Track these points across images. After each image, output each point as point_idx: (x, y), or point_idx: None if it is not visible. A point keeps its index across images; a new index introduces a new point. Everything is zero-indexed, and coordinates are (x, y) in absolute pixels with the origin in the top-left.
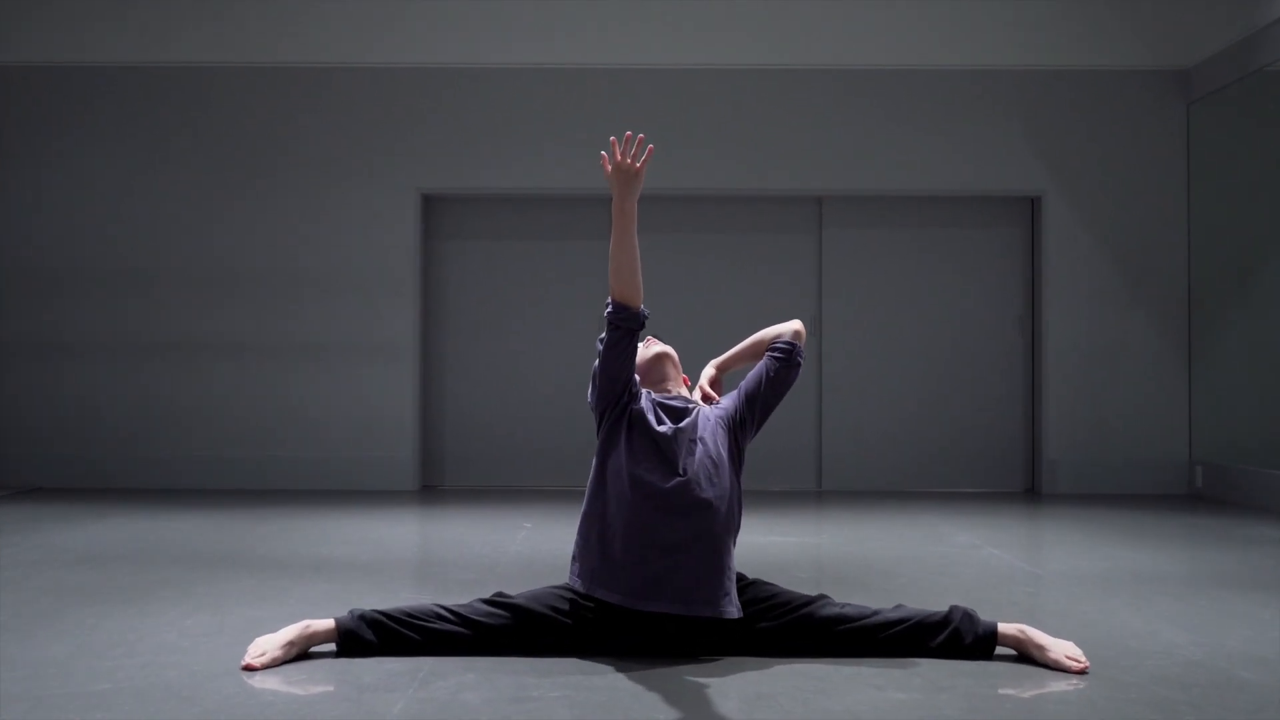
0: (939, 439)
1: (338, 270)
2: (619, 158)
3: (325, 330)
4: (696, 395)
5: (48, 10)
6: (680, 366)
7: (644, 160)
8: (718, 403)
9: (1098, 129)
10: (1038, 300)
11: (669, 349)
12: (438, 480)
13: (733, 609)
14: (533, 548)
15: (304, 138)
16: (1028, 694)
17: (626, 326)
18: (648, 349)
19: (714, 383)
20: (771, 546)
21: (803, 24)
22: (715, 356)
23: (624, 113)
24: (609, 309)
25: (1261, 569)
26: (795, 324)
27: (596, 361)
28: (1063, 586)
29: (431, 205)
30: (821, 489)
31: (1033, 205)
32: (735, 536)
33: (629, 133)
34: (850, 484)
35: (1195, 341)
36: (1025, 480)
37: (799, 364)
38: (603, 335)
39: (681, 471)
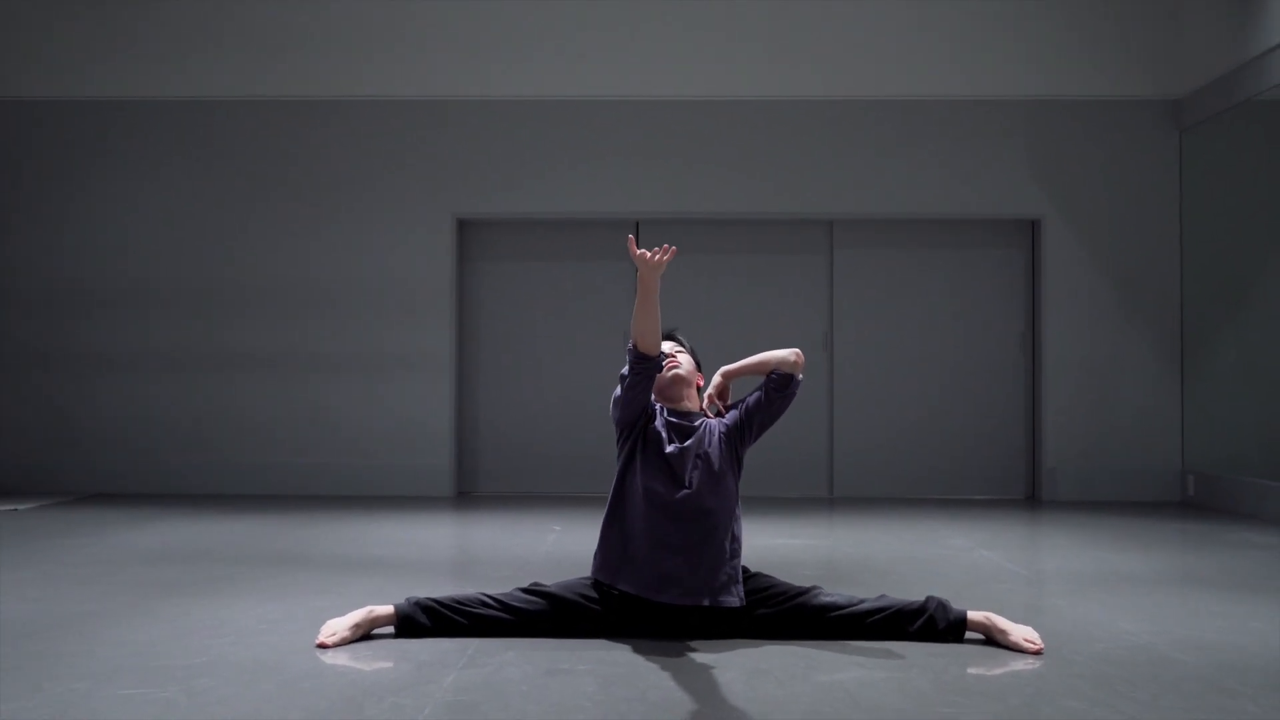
0: (944, 448)
1: (379, 290)
2: (647, 256)
3: (367, 345)
4: (704, 400)
5: (105, 48)
6: (694, 385)
7: (667, 258)
8: (723, 415)
9: (1095, 155)
10: (1038, 317)
11: (685, 372)
12: (471, 487)
13: (734, 599)
14: (562, 549)
15: (348, 167)
16: (990, 672)
17: (646, 372)
18: (667, 370)
19: (722, 390)
20: (782, 547)
21: (814, 57)
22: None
23: (645, 142)
24: (631, 356)
25: (1231, 570)
26: (795, 353)
27: (618, 390)
28: (1041, 583)
29: (465, 229)
30: (833, 495)
31: (1033, 228)
32: (739, 536)
33: (659, 247)
34: (860, 491)
35: (1187, 357)
36: (1026, 488)
37: (794, 393)
38: (624, 371)
39: (688, 484)
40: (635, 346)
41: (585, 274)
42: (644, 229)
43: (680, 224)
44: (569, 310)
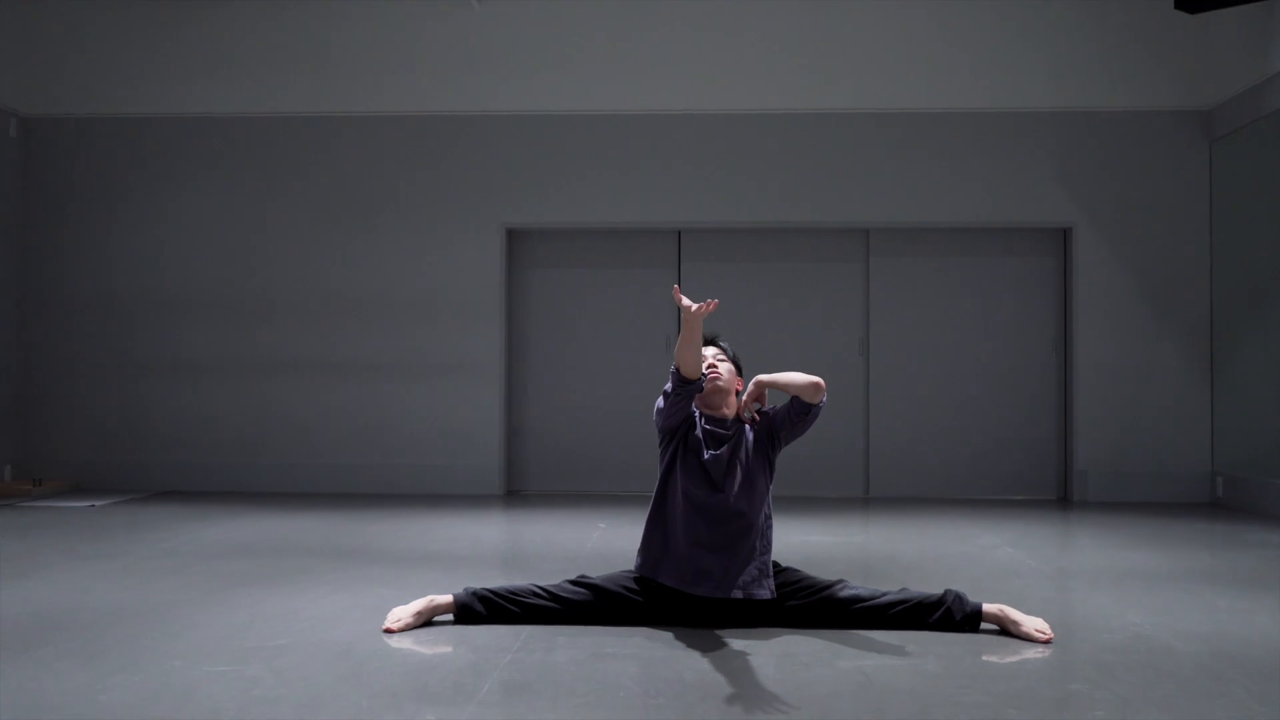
0: (977, 450)
1: (432, 297)
2: (692, 308)
3: (421, 351)
4: (742, 403)
5: (175, 67)
6: (733, 391)
7: (709, 310)
8: (756, 420)
9: (1125, 165)
10: (1069, 323)
11: (724, 383)
12: (521, 486)
13: (765, 592)
14: (607, 544)
15: (403, 180)
16: (1002, 660)
17: (688, 393)
18: (708, 381)
19: (758, 395)
20: (817, 544)
21: (852, 71)
22: (768, 370)
23: (687, 153)
24: (675, 379)
25: (1245, 568)
26: (816, 385)
27: (661, 402)
28: (1059, 579)
29: (514, 238)
30: (869, 495)
31: (1064, 236)
32: (769, 533)
33: (705, 301)
34: (895, 491)
35: (1216, 361)
36: (1058, 489)
37: (815, 417)
38: (667, 388)
39: (723, 489)
40: (678, 370)
41: (630, 281)
42: (686, 238)
43: (721, 233)
44: (614, 316)
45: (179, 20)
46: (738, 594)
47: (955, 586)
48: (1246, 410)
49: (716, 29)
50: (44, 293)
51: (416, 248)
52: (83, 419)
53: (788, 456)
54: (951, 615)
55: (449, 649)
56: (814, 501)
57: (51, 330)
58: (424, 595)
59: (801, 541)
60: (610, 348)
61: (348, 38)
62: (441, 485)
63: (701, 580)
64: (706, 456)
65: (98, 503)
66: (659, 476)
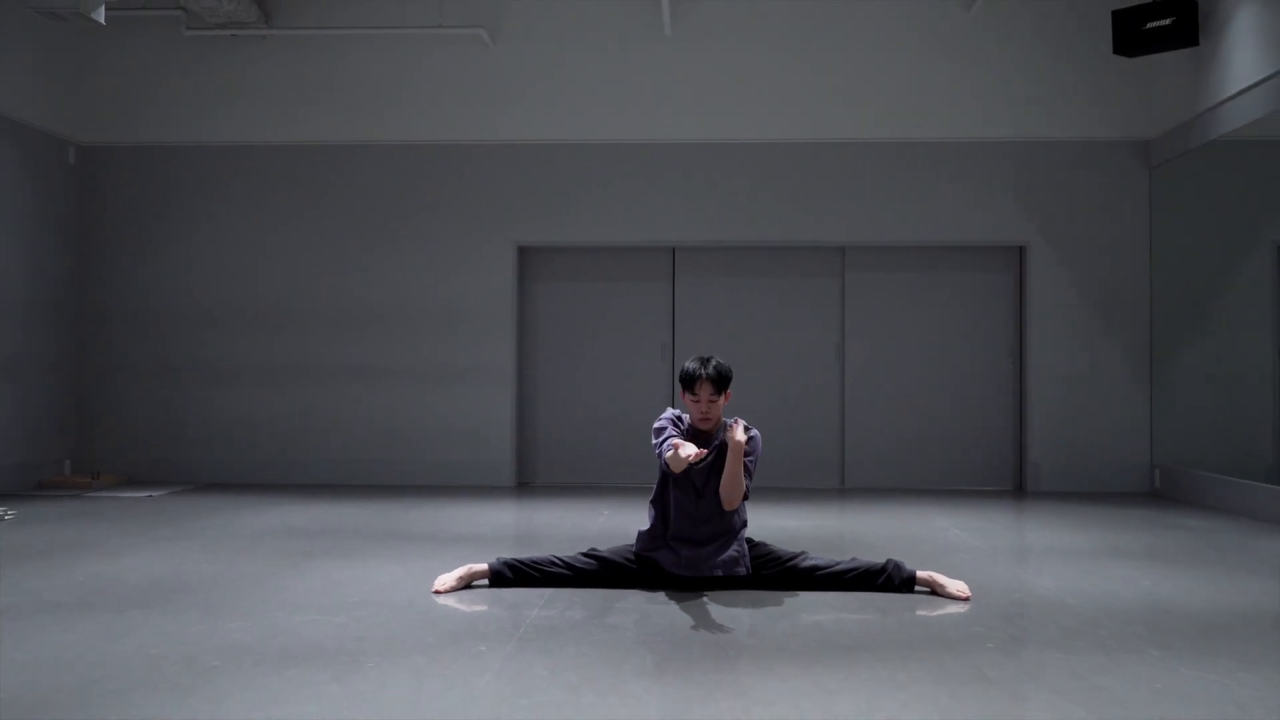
0: (942, 446)
1: (451, 308)
2: (689, 459)
3: (441, 357)
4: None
5: (214, 99)
6: (721, 408)
7: (698, 459)
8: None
9: (1074, 190)
10: (1024, 332)
11: (711, 425)
12: (531, 478)
13: (742, 570)
14: (610, 528)
15: (423, 202)
16: (930, 613)
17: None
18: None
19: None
20: (796, 527)
21: (828, 106)
22: (753, 380)
23: (681, 178)
24: (663, 466)
25: (1160, 546)
26: (731, 497)
27: (655, 439)
28: (991, 555)
29: (525, 255)
30: (844, 487)
31: (1020, 254)
32: (744, 521)
33: (695, 454)
34: (868, 483)
35: (1155, 367)
36: (1014, 480)
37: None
38: (660, 448)
39: (704, 495)
40: (668, 466)
41: (629, 294)
42: (680, 255)
43: (711, 251)
44: (615, 325)
45: (217, 56)
46: (719, 573)
47: (908, 563)
48: (1181, 410)
49: (708, 68)
50: (97, 305)
51: (435, 264)
52: (130, 419)
53: (772, 452)
54: (892, 580)
55: (486, 606)
56: (795, 492)
57: (103, 340)
58: (463, 565)
59: (783, 525)
60: (612, 354)
61: (372, 71)
62: (458, 478)
63: (690, 566)
64: (693, 468)
65: (154, 493)
66: (656, 480)
